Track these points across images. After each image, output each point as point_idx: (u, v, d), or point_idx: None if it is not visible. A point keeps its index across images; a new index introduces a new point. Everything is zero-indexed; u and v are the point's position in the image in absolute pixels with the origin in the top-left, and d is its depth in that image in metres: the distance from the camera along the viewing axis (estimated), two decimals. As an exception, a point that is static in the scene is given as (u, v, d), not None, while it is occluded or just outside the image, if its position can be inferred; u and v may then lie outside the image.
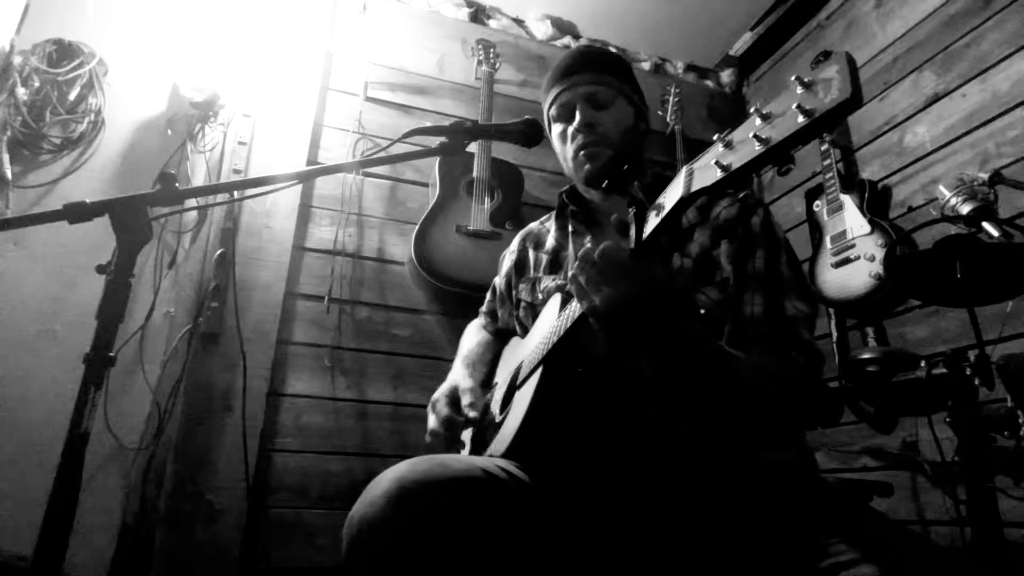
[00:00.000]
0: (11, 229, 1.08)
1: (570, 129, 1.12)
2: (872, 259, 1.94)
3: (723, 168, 0.64)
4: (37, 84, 2.01)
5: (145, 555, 1.72)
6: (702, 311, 0.96)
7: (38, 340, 1.86)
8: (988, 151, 1.83)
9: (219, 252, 2.03)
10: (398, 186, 2.38)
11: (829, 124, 0.55)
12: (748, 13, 2.79)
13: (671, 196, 0.73)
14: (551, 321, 1.01)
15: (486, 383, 1.25)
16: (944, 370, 1.36)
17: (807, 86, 0.56)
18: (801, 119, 0.56)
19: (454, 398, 1.15)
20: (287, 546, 1.86)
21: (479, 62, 2.52)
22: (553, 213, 1.28)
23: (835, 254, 2.07)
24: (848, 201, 2.11)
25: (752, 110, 0.62)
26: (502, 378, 1.19)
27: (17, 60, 2.00)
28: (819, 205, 2.22)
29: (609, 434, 0.96)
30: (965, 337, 1.76)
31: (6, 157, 1.94)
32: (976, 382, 1.31)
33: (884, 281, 1.88)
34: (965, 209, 1.42)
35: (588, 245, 0.81)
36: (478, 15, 2.78)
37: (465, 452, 1.19)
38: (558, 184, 2.26)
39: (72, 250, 1.92)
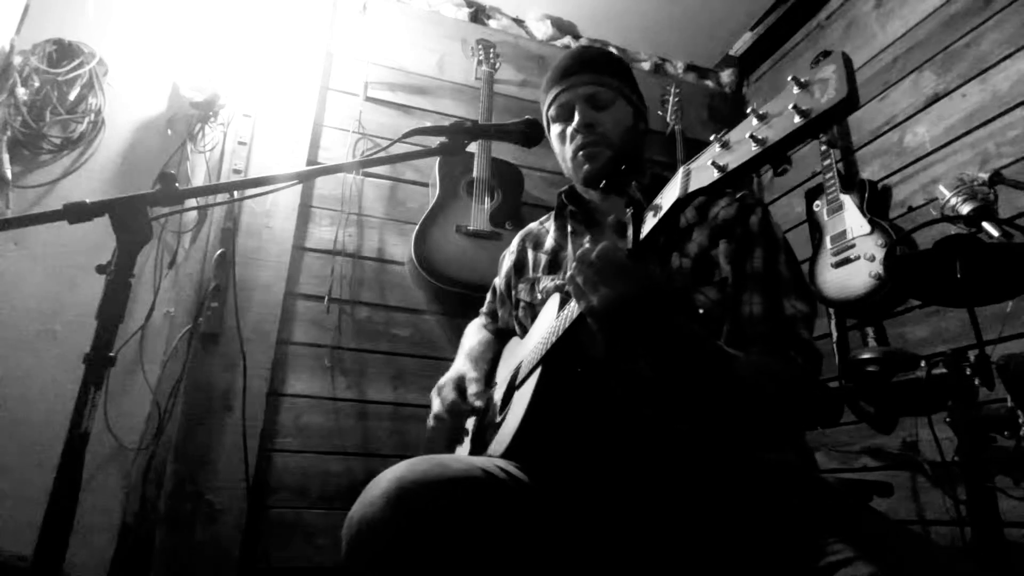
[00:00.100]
0: (11, 229, 1.08)
1: (569, 129, 1.12)
2: (872, 259, 1.94)
3: (720, 169, 0.64)
4: (37, 84, 2.02)
5: (145, 555, 1.72)
6: (700, 311, 0.96)
7: (38, 340, 1.86)
8: (988, 151, 1.83)
9: (219, 252, 2.03)
10: (398, 186, 2.38)
11: (826, 124, 0.55)
12: (748, 13, 2.79)
13: (668, 197, 0.73)
14: (550, 321, 1.01)
15: (487, 381, 1.25)
16: (944, 370, 1.36)
17: (804, 86, 0.56)
18: (797, 119, 0.56)
19: (460, 385, 1.14)
20: (287, 546, 1.86)
21: (479, 62, 2.52)
22: (552, 213, 1.28)
23: (835, 254, 2.07)
24: (848, 201, 2.11)
25: (749, 111, 0.62)
26: (501, 378, 1.19)
27: (17, 60, 2.00)
28: (819, 205, 2.22)
29: (608, 434, 0.96)
30: (965, 337, 1.76)
31: (6, 157, 1.94)
32: (976, 382, 1.31)
33: (884, 281, 1.88)
34: (965, 209, 1.42)
35: (587, 245, 0.81)
36: (478, 15, 2.78)
37: (465, 451, 1.19)
38: (558, 184, 2.26)
39: (72, 250, 1.92)
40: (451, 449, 1.22)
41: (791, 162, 0.60)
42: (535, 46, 2.79)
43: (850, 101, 0.52)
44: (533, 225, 1.35)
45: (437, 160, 2.26)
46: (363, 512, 0.77)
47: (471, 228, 2.16)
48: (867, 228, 2.00)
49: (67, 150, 2.04)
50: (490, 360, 1.30)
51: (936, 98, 2.03)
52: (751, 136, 0.60)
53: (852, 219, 2.06)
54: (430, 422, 1.15)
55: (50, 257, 1.93)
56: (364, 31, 2.52)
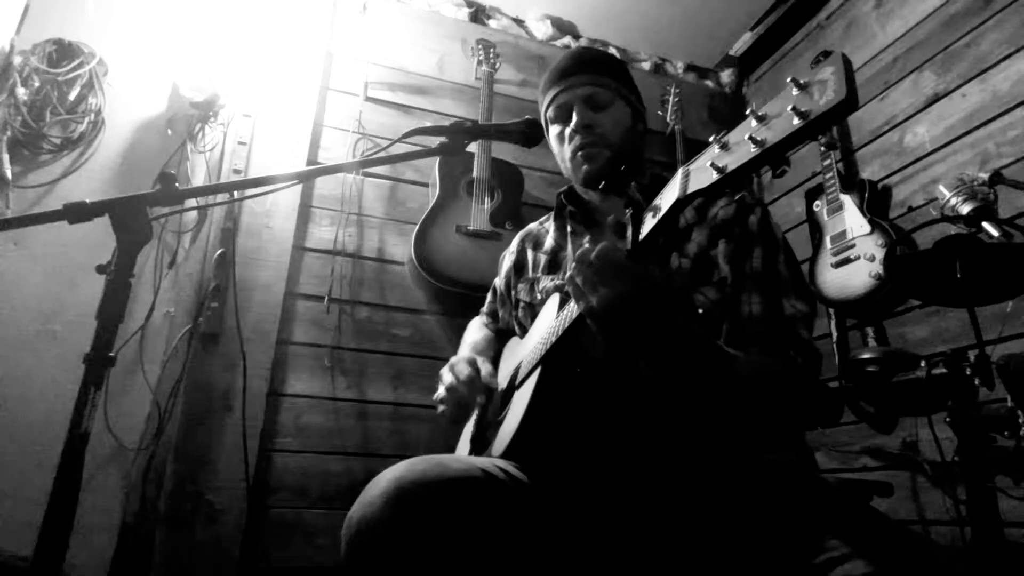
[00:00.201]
0: (11, 229, 1.08)
1: (568, 130, 1.12)
2: (872, 259, 1.94)
3: (719, 170, 0.64)
4: (37, 84, 2.02)
5: (145, 555, 1.72)
6: (700, 311, 0.96)
7: (38, 340, 1.86)
8: (988, 151, 1.83)
9: (219, 252, 2.03)
10: (398, 186, 2.38)
11: (825, 125, 0.55)
12: (748, 13, 2.79)
13: (667, 198, 0.73)
14: (549, 321, 1.01)
15: None
16: (944, 370, 1.36)
17: (803, 88, 0.56)
18: (796, 121, 0.56)
19: (474, 364, 1.12)
20: (287, 546, 1.86)
21: (479, 62, 2.52)
22: (552, 214, 1.29)
23: (835, 254, 2.07)
24: (848, 201, 2.11)
25: (748, 112, 0.62)
26: (502, 377, 1.19)
27: (17, 60, 2.00)
28: (819, 205, 2.22)
29: (607, 434, 0.96)
30: (965, 337, 1.76)
31: (6, 157, 1.94)
32: (976, 382, 1.31)
33: (884, 281, 1.88)
34: (965, 209, 1.42)
35: (586, 246, 0.81)
36: (478, 15, 2.78)
37: (464, 451, 1.19)
38: (558, 184, 2.26)
39: (72, 250, 1.92)
40: (460, 423, 1.22)
41: (790, 163, 0.60)
42: (535, 46, 2.79)
43: (849, 102, 0.52)
44: (533, 225, 1.35)
45: (437, 160, 2.26)
46: (362, 512, 0.77)
47: (471, 228, 2.16)
48: (867, 228, 2.00)
49: (67, 150, 2.04)
50: (491, 358, 1.30)
51: (936, 98, 2.03)
52: (750, 137, 0.60)
53: (852, 219, 2.06)
54: (440, 393, 1.13)
55: (50, 257, 1.93)
56: (364, 31, 2.52)
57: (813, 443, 2.22)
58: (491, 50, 2.52)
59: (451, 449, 1.28)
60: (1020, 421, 1.31)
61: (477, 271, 2.07)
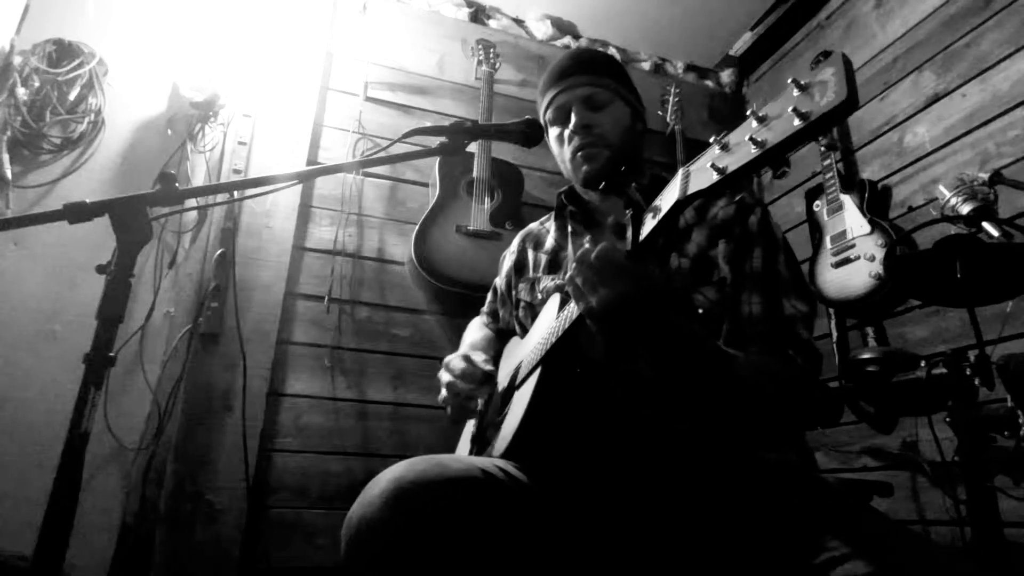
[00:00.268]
0: (11, 229, 1.08)
1: (567, 131, 1.12)
2: (872, 259, 1.94)
3: (719, 171, 0.64)
4: (37, 84, 2.02)
5: (145, 555, 1.72)
6: (700, 311, 0.96)
7: (38, 340, 1.86)
8: (988, 151, 1.83)
9: (219, 252, 2.03)
10: (398, 186, 2.38)
11: (825, 126, 0.55)
12: (748, 13, 2.79)
13: (667, 199, 0.73)
14: (550, 321, 1.01)
15: None
16: (944, 370, 1.36)
17: (803, 88, 0.56)
18: (797, 122, 0.56)
19: (468, 357, 1.13)
20: (287, 546, 1.86)
21: (479, 62, 2.52)
22: (552, 214, 1.29)
23: (835, 254, 2.07)
24: (848, 201, 2.11)
25: (748, 112, 0.62)
26: (502, 377, 1.19)
27: (17, 60, 2.00)
28: (819, 205, 2.22)
29: (607, 434, 0.96)
30: (965, 337, 1.76)
31: (6, 157, 1.94)
32: (976, 382, 1.31)
33: (884, 281, 1.88)
34: (965, 209, 1.42)
35: (586, 246, 0.81)
36: (478, 15, 2.78)
37: (465, 451, 1.19)
38: (558, 184, 2.26)
39: (72, 250, 1.92)
40: (461, 423, 1.22)
41: (790, 164, 0.61)
42: (535, 46, 2.79)
43: (850, 103, 0.52)
44: (533, 225, 1.35)
45: (437, 160, 2.26)
46: (362, 512, 0.77)
47: (471, 228, 2.16)
48: (867, 228, 2.00)
49: (67, 150, 2.04)
50: (492, 357, 1.30)
51: (936, 98, 2.03)
52: (750, 138, 0.60)
53: (852, 219, 2.06)
54: (443, 394, 1.13)
55: (50, 257, 1.93)
56: (364, 31, 2.52)
57: (813, 443, 2.22)
58: (491, 50, 2.52)
59: (451, 449, 1.28)
60: (1020, 421, 1.31)
61: (477, 271, 2.07)
